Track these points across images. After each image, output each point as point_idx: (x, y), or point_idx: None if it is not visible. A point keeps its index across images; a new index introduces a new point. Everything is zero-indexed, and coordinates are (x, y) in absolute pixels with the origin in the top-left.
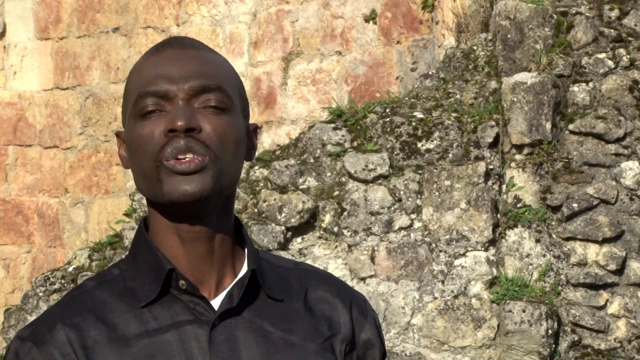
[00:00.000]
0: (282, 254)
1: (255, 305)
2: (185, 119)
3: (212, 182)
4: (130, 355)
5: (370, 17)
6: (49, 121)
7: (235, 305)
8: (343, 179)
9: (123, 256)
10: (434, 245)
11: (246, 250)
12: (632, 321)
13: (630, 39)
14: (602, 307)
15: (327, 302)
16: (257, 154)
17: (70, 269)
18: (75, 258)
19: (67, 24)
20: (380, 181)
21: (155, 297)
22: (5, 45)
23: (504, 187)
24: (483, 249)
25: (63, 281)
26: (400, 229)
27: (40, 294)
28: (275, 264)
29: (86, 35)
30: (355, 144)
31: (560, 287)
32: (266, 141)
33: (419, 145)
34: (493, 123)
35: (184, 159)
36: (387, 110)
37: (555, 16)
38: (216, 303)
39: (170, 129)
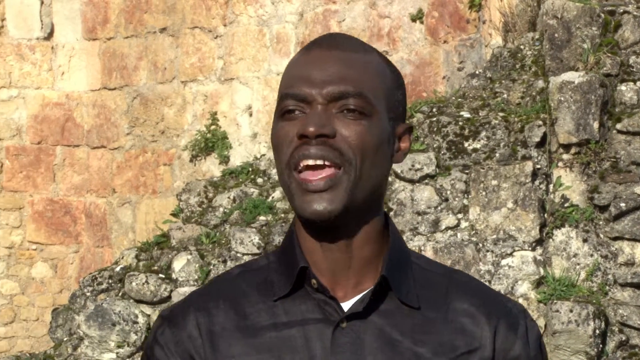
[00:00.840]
0: None
1: (387, 312)
2: (317, 125)
3: (345, 197)
4: (254, 346)
5: (417, 17)
6: (96, 121)
7: (362, 310)
8: (390, 179)
9: (170, 256)
10: (480, 245)
11: (385, 254)
12: None
13: None
14: None
15: (470, 316)
16: None
17: (118, 268)
18: (122, 258)
19: (115, 25)
20: (427, 181)
21: (289, 293)
22: (53, 45)
23: (551, 186)
24: (530, 248)
25: (110, 281)
26: (447, 228)
27: (88, 294)
28: (425, 268)
29: (133, 36)
30: None
31: (607, 287)
32: None
33: (466, 144)
34: (540, 122)
35: (314, 168)
36: (434, 109)
37: (602, 15)
38: (348, 305)
39: (301, 134)
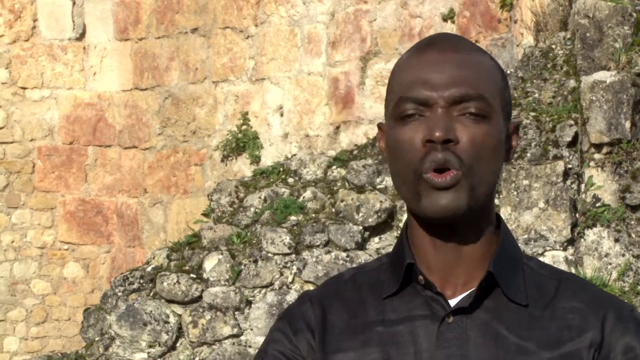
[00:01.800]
0: (359, 253)
1: (494, 308)
2: (443, 130)
3: (466, 197)
4: (362, 341)
5: (449, 16)
6: (128, 122)
7: (467, 306)
8: None
9: (201, 256)
10: None
11: (494, 251)
12: None
13: None
14: None
15: (578, 313)
16: (334, 153)
17: (149, 268)
18: (153, 258)
19: (146, 25)
20: None
21: (397, 290)
22: (85, 46)
23: (582, 186)
24: (561, 248)
25: (142, 281)
26: None
27: (119, 294)
28: (536, 270)
29: (165, 36)
30: None
31: (639, 287)
32: (344, 141)
33: None
34: (572, 122)
35: (440, 171)
36: None
37: (634, 14)
38: (456, 302)
39: (428, 139)
